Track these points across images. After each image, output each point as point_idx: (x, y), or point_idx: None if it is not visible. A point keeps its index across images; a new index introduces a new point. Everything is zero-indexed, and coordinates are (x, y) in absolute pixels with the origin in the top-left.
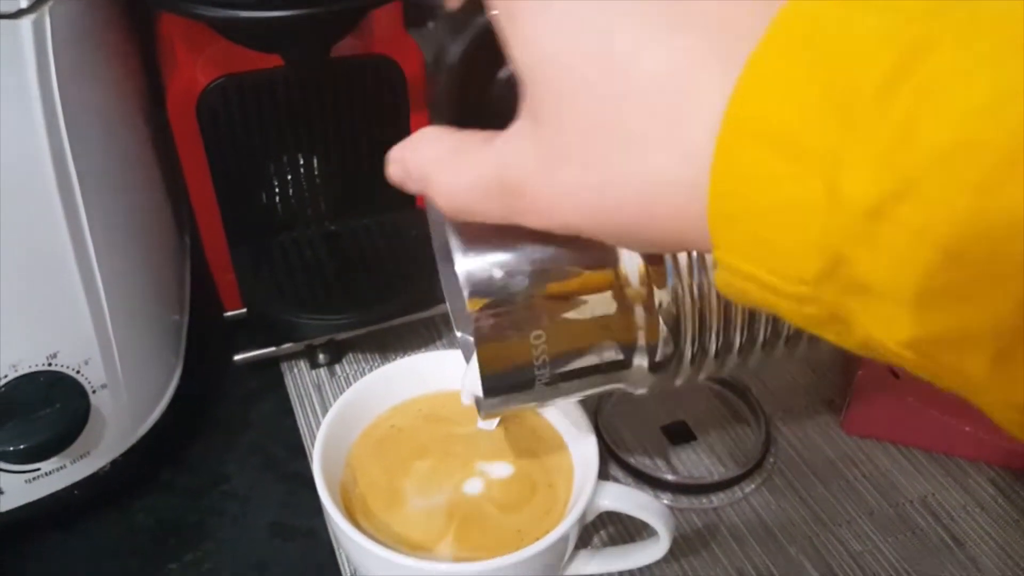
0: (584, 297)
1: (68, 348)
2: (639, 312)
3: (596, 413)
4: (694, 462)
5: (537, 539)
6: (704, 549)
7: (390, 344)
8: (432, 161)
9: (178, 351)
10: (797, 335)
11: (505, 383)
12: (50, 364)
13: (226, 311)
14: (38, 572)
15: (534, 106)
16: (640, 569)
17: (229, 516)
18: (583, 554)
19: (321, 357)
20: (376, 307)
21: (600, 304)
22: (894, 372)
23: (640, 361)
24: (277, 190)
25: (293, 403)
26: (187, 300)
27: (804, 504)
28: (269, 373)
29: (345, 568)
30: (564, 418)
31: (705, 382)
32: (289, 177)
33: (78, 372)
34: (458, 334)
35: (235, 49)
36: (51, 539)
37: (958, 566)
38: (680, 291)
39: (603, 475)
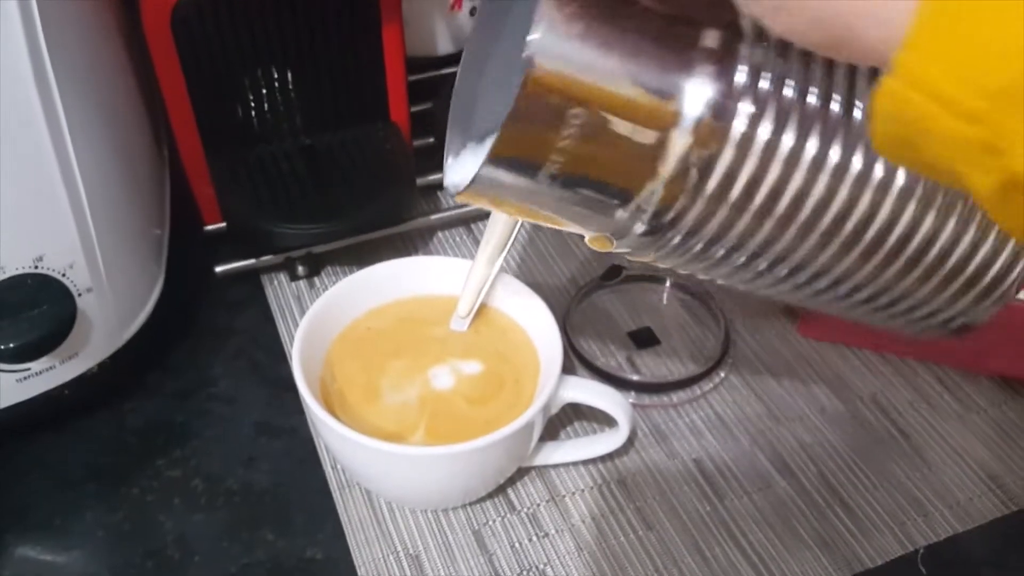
0: (633, 115)
1: (53, 252)
2: (671, 161)
3: (565, 320)
4: (657, 364)
5: None
6: (663, 443)
7: (367, 258)
8: None
9: (160, 261)
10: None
11: (508, 165)
12: (36, 267)
13: (206, 225)
14: (33, 469)
15: None
16: (603, 460)
17: (216, 416)
18: (549, 445)
19: (300, 269)
20: (351, 217)
21: (637, 134)
22: None
23: (638, 209)
24: (253, 103)
25: (274, 313)
26: (167, 213)
27: (759, 401)
28: (250, 285)
29: (326, 461)
30: (532, 319)
31: (669, 291)
32: (264, 91)
33: (63, 275)
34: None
35: None
36: (44, 438)
37: (903, 456)
38: (723, 162)
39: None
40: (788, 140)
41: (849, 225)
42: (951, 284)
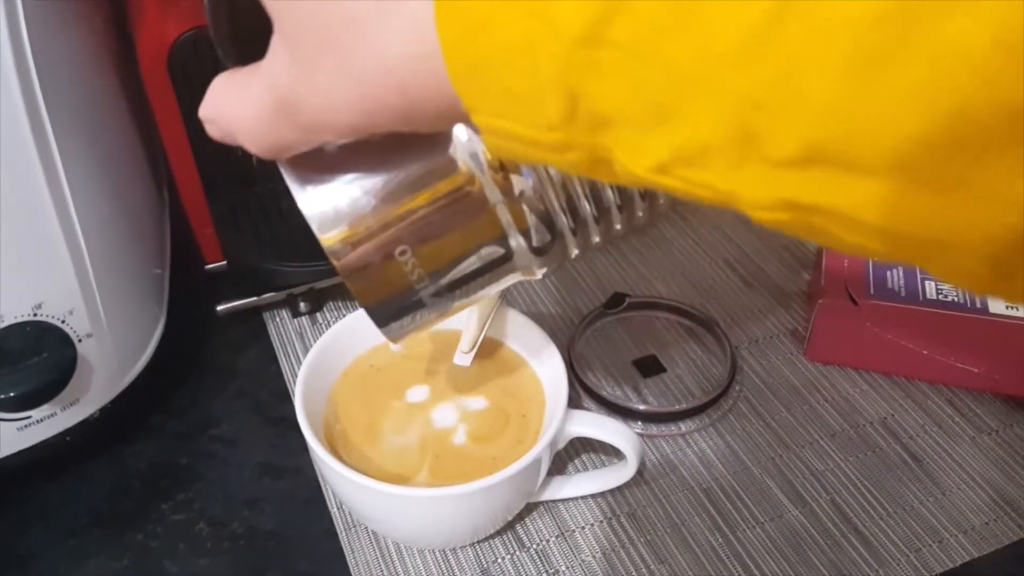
0: (439, 202)
1: (52, 299)
2: (500, 203)
3: (570, 350)
4: (664, 393)
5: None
6: (672, 473)
7: None
8: (223, 105)
9: (161, 302)
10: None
11: (392, 309)
12: (35, 315)
13: (207, 264)
14: (36, 517)
15: (275, 17)
16: (612, 493)
17: (219, 458)
18: (557, 480)
19: (302, 306)
20: None
21: (457, 206)
22: (853, 299)
23: (521, 249)
24: None
25: (277, 351)
26: (168, 253)
27: (768, 428)
28: (252, 323)
29: (331, 501)
30: (537, 353)
31: (673, 318)
32: None
33: (63, 322)
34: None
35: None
36: (47, 485)
37: (915, 481)
38: (537, 170)
39: (577, 408)
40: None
41: None
42: None
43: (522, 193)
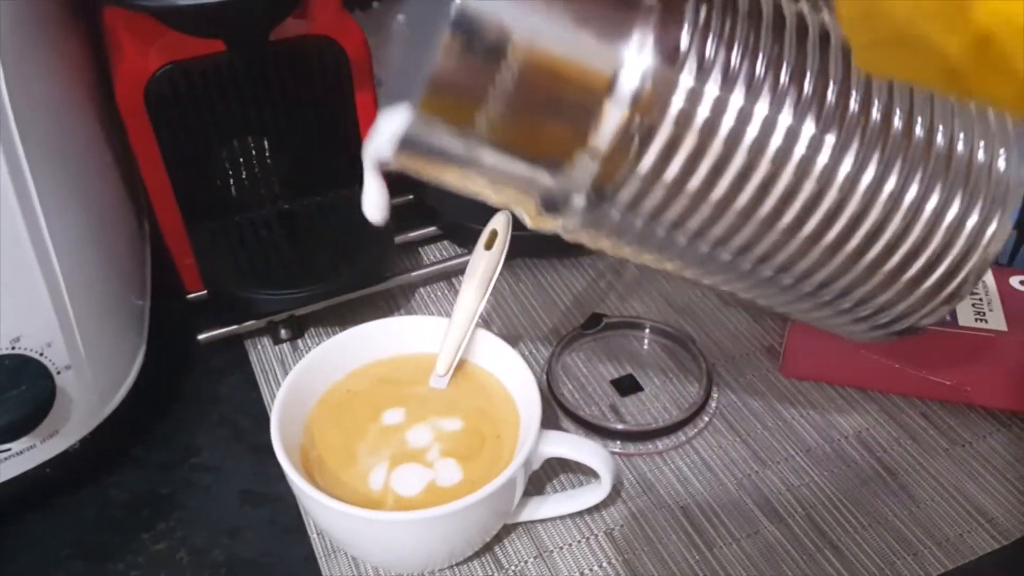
0: (572, 59)
1: (30, 332)
2: (610, 128)
3: (548, 371)
4: (641, 411)
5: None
6: (649, 492)
7: (349, 318)
8: None
9: (142, 332)
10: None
11: (450, 96)
12: (13, 348)
13: (188, 293)
14: (16, 549)
15: None
16: (590, 512)
17: (201, 487)
18: (534, 500)
19: (283, 332)
20: (331, 280)
21: (581, 90)
22: None
23: (576, 179)
24: (230, 172)
25: (258, 378)
26: (148, 284)
27: (744, 444)
28: (234, 351)
29: (311, 528)
30: (511, 374)
31: (650, 336)
32: (241, 159)
33: (41, 355)
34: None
35: (179, 36)
36: (28, 517)
37: (890, 494)
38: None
39: (555, 429)
40: (734, 106)
41: (794, 208)
42: (899, 278)
43: (632, 133)
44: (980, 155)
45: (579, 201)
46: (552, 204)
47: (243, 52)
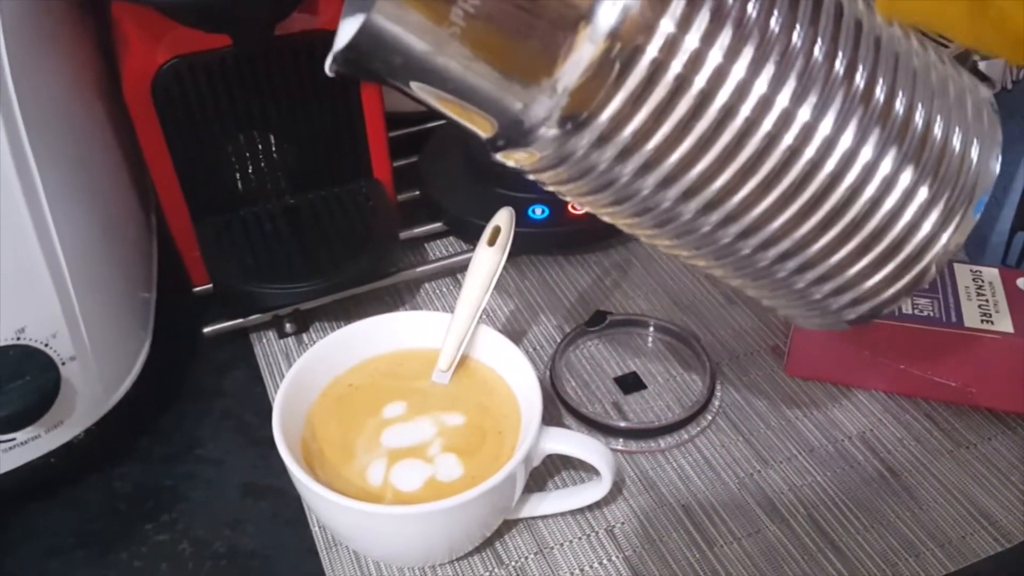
0: None
1: (35, 323)
2: (583, 54)
3: (551, 368)
4: (644, 409)
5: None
6: (651, 490)
7: (354, 312)
8: None
9: (147, 325)
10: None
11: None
12: (18, 338)
13: (195, 287)
14: (20, 538)
15: None
16: (591, 509)
17: (203, 479)
18: (534, 497)
19: (288, 327)
20: (336, 275)
21: (556, 8)
22: None
23: (548, 98)
24: (236, 167)
25: (263, 372)
26: (154, 277)
27: (747, 444)
28: (239, 345)
29: (312, 521)
30: (513, 370)
31: (655, 334)
32: (247, 154)
33: (46, 345)
34: None
35: (186, 30)
36: (32, 507)
37: (893, 495)
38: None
39: (558, 426)
40: (715, 57)
41: (769, 162)
42: (862, 256)
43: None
44: (955, 143)
45: (544, 132)
46: (516, 130)
47: (249, 47)
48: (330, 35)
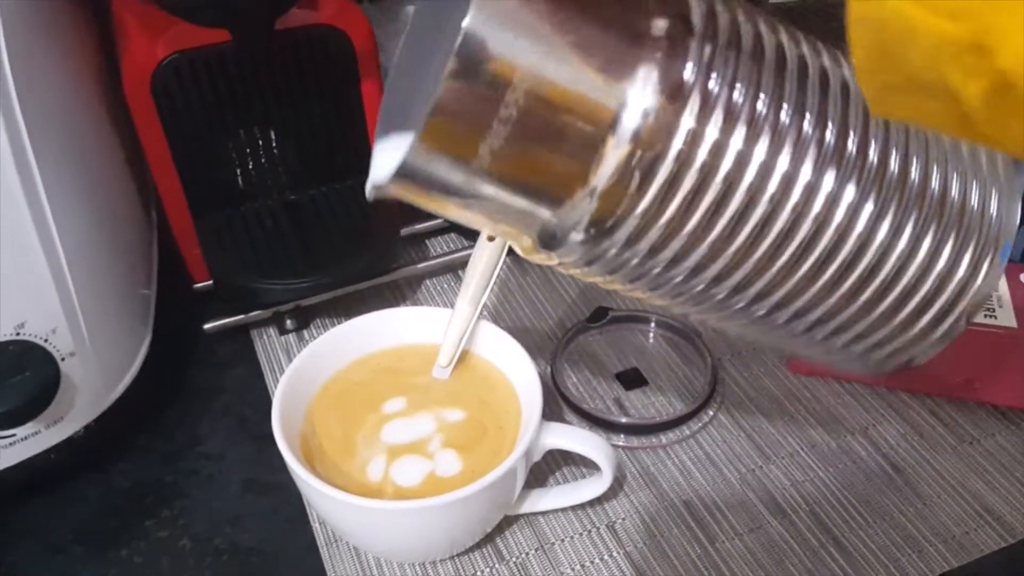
0: (576, 91)
1: (34, 318)
2: (611, 163)
3: (552, 364)
4: (645, 405)
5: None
6: (652, 485)
7: (355, 309)
8: None
9: (147, 321)
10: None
11: (451, 126)
12: (18, 333)
13: (195, 283)
14: (22, 535)
15: None
16: (592, 505)
17: (204, 475)
18: (535, 492)
19: (289, 323)
20: (337, 271)
21: (583, 123)
22: None
23: (574, 214)
24: (236, 162)
25: (263, 368)
26: (155, 273)
27: (749, 439)
28: (240, 341)
29: (313, 517)
30: (513, 365)
31: (656, 330)
32: (247, 149)
33: (46, 341)
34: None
35: (186, 26)
36: (33, 503)
37: (896, 491)
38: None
39: (559, 422)
40: (735, 146)
41: (790, 249)
42: (891, 319)
43: (636, 163)
44: (973, 199)
45: (576, 237)
46: (549, 239)
47: (249, 42)
48: (330, 30)
